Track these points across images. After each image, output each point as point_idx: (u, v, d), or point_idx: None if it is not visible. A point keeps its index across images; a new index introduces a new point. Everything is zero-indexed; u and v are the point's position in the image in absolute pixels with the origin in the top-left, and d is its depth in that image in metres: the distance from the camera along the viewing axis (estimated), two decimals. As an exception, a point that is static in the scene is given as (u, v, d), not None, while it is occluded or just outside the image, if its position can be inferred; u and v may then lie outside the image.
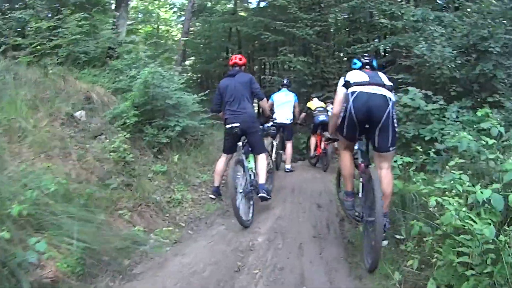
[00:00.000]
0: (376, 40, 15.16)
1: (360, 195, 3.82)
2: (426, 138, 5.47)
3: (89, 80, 7.79)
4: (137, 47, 9.98)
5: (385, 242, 3.51)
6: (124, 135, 5.58)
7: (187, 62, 25.37)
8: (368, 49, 12.36)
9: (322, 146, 8.98)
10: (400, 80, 7.91)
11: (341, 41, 16.83)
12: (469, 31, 7.11)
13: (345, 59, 16.00)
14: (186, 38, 16.86)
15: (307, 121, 10.17)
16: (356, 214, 3.89)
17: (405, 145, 5.67)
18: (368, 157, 3.97)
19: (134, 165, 5.59)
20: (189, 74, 26.20)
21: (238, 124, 5.00)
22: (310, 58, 15.05)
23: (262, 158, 5.19)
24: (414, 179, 3.93)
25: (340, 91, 3.83)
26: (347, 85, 3.73)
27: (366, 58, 4.08)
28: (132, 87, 6.97)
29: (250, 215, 4.93)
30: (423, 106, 5.79)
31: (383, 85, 3.61)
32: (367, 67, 3.97)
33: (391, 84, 3.72)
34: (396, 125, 3.63)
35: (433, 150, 4.74)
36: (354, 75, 3.78)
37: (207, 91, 9.06)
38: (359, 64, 4.05)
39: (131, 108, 6.45)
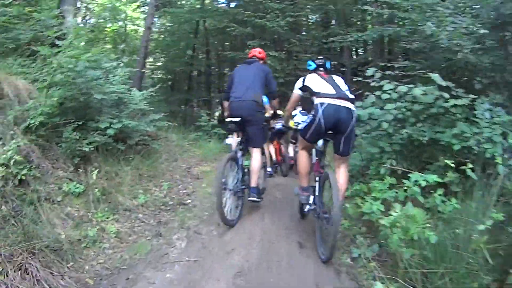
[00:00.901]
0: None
1: (316, 193, 4.12)
2: (455, 147, 4.09)
3: (11, 71, 6.09)
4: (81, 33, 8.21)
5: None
6: (17, 143, 3.93)
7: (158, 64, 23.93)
8: (348, 41, 10.84)
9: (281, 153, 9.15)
10: (404, 67, 6.28)
11: (316, 35, 15.47)
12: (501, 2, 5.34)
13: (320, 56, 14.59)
14: (149, 35, 15.06)
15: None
16: (312, 208, 4.17)
17: (416, 155, 4.26)
18: (324, 158, 4.38)
19: (35, 184, 3.95)
20: (158, 75, 24.90)
21: (238, 119, 4.71)
22: (281, 53, 13.57)
23: (256, 154, 4.83)
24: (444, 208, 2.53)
25: (296, 93, 4.45)
26: (305, 89, 4.20)
27: (320, 60, 4.46)
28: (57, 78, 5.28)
29: (237, 214, 4.72)
30: (440, 102, 4.36)
31: (348, 99, 3.94)
32: (321, 69, 4.37)
33: (353, 96, 4.03)
34: (355, 133, 4.09)
35: (469, 165, 3.31)
36: (314, 81, 4.15)
37: (157, 87, 7.65)
38: (313, 65, 4.46)
39: (47, 105, 4.79)
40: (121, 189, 5.04)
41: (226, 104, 5.09)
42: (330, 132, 3.95)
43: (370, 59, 15.92)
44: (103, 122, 5.25)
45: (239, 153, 4.89)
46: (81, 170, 4.77)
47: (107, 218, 4.38)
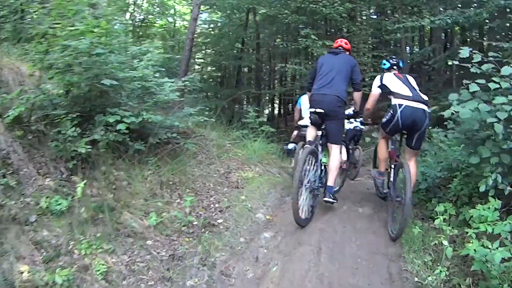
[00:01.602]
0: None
1: (391, 178, 4.50)
2: None
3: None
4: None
5: None
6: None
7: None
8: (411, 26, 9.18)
9: None
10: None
11: (373, 24, 13.84)
12: None
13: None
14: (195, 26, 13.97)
15: None
16: (385, 191, 4.69)
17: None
18: (400, 148, 4.73)
19: (4, 197, 2.81)
20: (207, 70, 24.16)
21: (321, 111, 4.58)
22: None
23: (335, 150, 4.70)
24: None
25: (376, 91, 4.67)
26: (383, 88, 4.54)
27: (394, 59, 4.90)
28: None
29: (311, 214, 4.51)
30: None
31: (423, 101, 4.26)
32: (395, 67, 4.78)
33: (427, 98, 4.35)
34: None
35: None
36: (391, 81, 4.50)
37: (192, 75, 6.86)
38: (388, 64, 4.85)
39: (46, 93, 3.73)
40: (130, 202, 3.83)
41: (308, 95, 5.13)
42: (406, 130, 4.37)
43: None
44: (114, 116, 4.09)
45: (319, 148, 4.73)
46: (75, 178, 3.60)
47: (98, 248, 3.13)
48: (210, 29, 22.16)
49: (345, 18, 12.18)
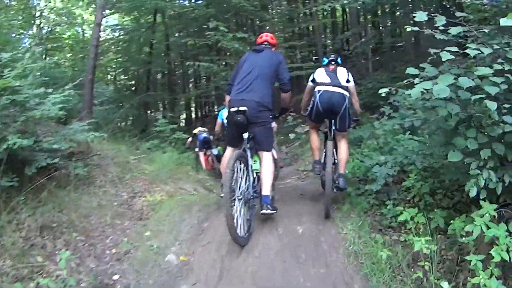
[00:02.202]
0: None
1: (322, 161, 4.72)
2: None
3: None
4: None
5: None
6: None
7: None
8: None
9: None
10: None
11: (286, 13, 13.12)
12: None
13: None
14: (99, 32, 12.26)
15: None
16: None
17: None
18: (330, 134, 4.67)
19: None
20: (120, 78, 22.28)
21: (245, 108, 3.88)
22: (251, 35, 10.93)
23: (267, 158, 4.11)
24: None
25: (308, 85, 4.75)
26: (313, 81, 4.62)
27: (332, 56, 4.82)
28: None
29: (248, 230, 3.78)
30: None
31: (340, 86, 4.41)
32: (332, 62, 4.68)
33: (347, 85, 4.48)
34: (350, 114, 4.49)
35: None
36: (319, 74, 4.60)
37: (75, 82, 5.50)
38: (326, 61, 4.82)
39: None
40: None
41: (227, 98, 4.38)
42: (327, 113, 4.44)
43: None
44: None
45: (248, 152, 4.11)
46: None
47: None
48: (120, 35, 20.19)
49: (256, 8, 11.17)
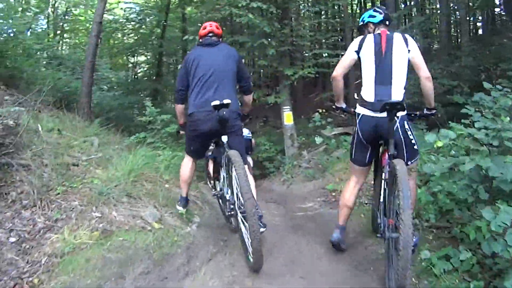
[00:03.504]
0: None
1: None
2: None
3: None
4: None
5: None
6: None
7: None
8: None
9: None
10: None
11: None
12: None
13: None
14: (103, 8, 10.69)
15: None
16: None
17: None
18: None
19: None
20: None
21: (229, 101, 3.36)
22: (273, 8, 8.59)
23: (249, 169, 3.69)
24: None
25: (349, 57, 3.33)
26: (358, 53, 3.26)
27: (385, 11, 3.44)
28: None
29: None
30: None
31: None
32: (387, 22, 3.36)
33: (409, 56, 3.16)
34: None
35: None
36: (368, 47, 3.20)
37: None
38: (379, 17, 3.33)
39: None
40: None
41: (180, 108, 3.88)
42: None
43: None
44: None
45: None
46: None
47: None
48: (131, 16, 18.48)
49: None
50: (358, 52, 3.17)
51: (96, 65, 11.80)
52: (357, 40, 3.23)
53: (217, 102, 3.28)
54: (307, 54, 10.13)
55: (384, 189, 2.80)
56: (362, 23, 3.40)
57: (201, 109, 3.47)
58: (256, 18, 8.11)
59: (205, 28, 3.91)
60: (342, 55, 3.39)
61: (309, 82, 17.76)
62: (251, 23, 8.17)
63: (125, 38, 18.93)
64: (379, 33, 3.15)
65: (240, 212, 3.09)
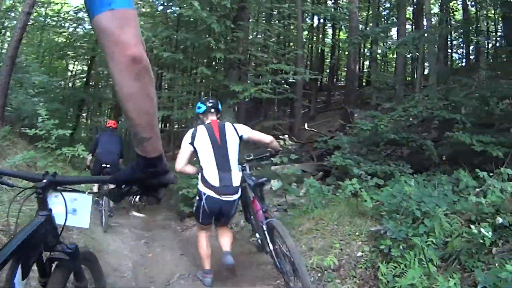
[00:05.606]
0: None
1: None
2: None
3: None
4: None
5: None
6: None
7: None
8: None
9: None
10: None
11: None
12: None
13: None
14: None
15: None
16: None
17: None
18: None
19: None
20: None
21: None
22: (227, 1, 6.95)
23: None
24: None
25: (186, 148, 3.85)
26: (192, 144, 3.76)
27: (210, 101, 4.00)
28: None
29: None
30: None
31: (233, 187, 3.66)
32: (212, 110, 3.90)
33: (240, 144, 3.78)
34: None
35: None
36: (201, 138, 3.70)
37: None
38: (203, 108, 3.94)
39: None
40: None
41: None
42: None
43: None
44: None
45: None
46: None
47: None
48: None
49: None
50: (192, 143, 3.60)
51: (28, 66, 10.95)
52: (189, 133, 3.67)
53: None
54: (265, 68, 8.16)
55: None
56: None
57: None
58: (203, 10, 6.34)
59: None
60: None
61: (251, 107, 16.28)
62: (196, 16, 6.38)
63: (55, 37, 16.86)
64: (209, 123, 3.69)
65: None
